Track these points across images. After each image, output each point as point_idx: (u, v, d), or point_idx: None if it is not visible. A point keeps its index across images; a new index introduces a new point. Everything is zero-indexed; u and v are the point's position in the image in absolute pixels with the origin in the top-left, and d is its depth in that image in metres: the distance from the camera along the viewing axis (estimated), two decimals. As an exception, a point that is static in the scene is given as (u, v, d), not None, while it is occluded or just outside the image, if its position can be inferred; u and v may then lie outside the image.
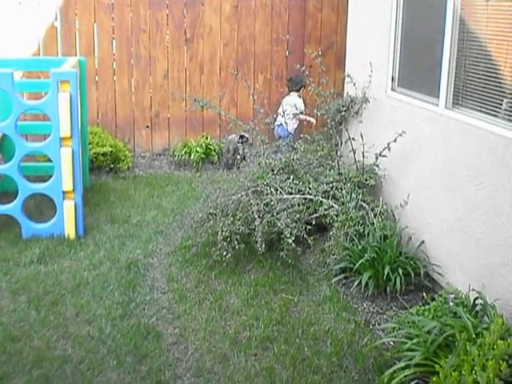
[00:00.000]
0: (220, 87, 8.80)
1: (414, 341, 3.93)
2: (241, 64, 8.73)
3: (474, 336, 3.84)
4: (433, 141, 5.13)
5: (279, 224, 5.31)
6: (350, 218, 5.46)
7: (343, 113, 6.61)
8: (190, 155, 8.28)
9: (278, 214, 5.40)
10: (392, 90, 5.94)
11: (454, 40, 4.84)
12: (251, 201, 5.48)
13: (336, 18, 8.76)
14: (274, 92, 8.82)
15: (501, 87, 4.38)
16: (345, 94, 6.85)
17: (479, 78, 4.64)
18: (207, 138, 8.52)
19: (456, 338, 3.83)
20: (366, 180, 5.85)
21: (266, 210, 5.53)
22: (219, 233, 5.37)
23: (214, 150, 8.36)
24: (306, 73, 6.67)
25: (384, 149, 5.58)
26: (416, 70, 5.63)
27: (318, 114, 6.69)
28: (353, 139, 5.98)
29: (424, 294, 4.63)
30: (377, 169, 5.82)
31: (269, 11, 8.74)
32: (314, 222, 5.62)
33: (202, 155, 8.30)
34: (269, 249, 5.45)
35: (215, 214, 5.56)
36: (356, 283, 5.11)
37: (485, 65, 4.58)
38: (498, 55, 4.46)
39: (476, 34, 4.71)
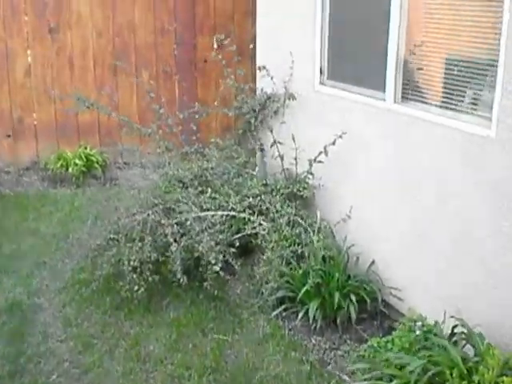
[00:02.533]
0: (96, 86, 8.16)
1: None
2: (120, 58, 8.10)
3: (465, 372, 3.60)
4: (380, 141, 4.88)
5: (200, 248, 4.85)
6: (284, 236, 5.09)
7: (257, 112, 6.25)
8: (67, 169, 7.60)
9: (197, 235, 4.93)
10: (321, 83, 5.65)
11: (402, 25, 4.60)
12: (162, 221, 4.98)
13: (232, 4, 8.37)
14: (162, 90, 8.29)
15: (463, 76, 4.18)
16: (258, 91, 6.49)
17: (436, 68, 4.43)
18: (86, 148, 7.86)
19: (445, 377, 3.56)
20: (299, 191, 5.51)
21: (181, 231, 5.04)
22: (126, 263, 4.83)
23: (97, 162, 7.73)
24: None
25: (320, 153, 5.26)
26: (351, 61, 5.36)
27: (230, 114, 6.27)
28: (279, 143, 5.63)
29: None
30: (311, 177, 5.48)
31: (150, -5, 8.11)
32: (237, 244, 5.18)
33: (83, 168, 7.65)
34: (187, 278, 4.96)
35: (117, 240, 5.01)
36: (300, 315, 4.74)
37: (442, 52, 4.37)
38: (460, 37, 4.26)
39: (428, 13, 4.51)
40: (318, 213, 5.41)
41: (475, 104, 4.07)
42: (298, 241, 5.11)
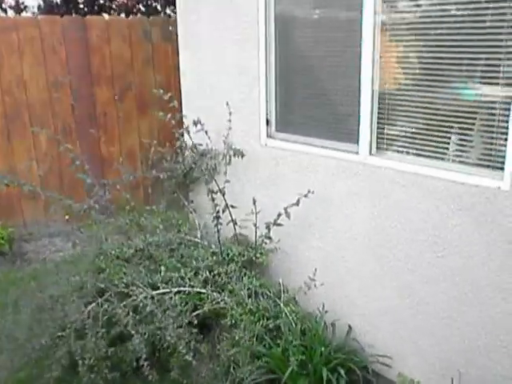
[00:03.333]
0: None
1: None
2: (12, 120, 7.48)
3: None
4: (353, 198, 4.63)
5: (168, 338, 4.39)
6: (250, 311, 4.72)
7: (190, 172, 5.87)
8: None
9: (160, 322, 4.47)
10: (269, 136, 5.34)
11: (376, 69, 4.39)
12: (119, 310, 4.48)
13: (130, 50, 7.93)
14: (63, 151, 7.67)
15: (446, 123, 4.00)
16: (186, 147, 6.08)
17: (416, 114, 4.24)
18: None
19: None
20: (257, 258, 5.15)
21: (138, 317, 4.57)
22: (80, 362, 4.30)
23: (2, 238, 7.01)
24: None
25: (279, 216, 4.91)
26: (307, 110, 5.08)
27: (162, 176, 5.82)
28: (231, 207, 5.25)
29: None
30: (268, 242, 5.14)
31: (38, 46, 7.52)
32: (195, 322, 4.75)
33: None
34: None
35: (64, 336, 4.47)
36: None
37: (422, 96, 4.19)
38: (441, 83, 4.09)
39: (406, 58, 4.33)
40: (281, 280, 5.06)
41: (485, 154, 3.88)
42: (266, 314, 4.72)
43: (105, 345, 4.36)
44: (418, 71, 4.16)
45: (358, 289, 4.70)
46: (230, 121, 5.56)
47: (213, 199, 5.01)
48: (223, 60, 5.61)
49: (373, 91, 4.38)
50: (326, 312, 4.83)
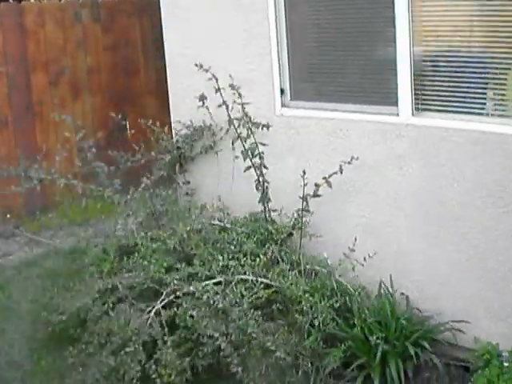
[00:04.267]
0: None
1: None
2: None
3: None
4: (397, 161, 4.35)
5: (253, 334, 3.90)
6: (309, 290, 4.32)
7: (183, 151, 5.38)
8: None
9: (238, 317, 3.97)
10: (283, 106, 4.92)
11: (411, 25, 4.09)
12: (190, 312, 3.94)
13: (62, 34, 7.19)
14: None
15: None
16: (175, 126, 5.53)
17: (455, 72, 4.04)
18: None
19: None
20: (291, 234, 4.76)
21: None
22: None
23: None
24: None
25: (317, 188, 4.52)
26: (332, 75, 4.72)
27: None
28: (266, 182, 4.77)
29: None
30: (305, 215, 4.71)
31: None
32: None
33: None
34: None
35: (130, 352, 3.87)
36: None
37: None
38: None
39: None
40: (325, 254, 4.69)
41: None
42: (327, 293, 4.35)
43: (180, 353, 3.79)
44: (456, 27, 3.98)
45: (411, 255, 4.42)
46: (238, 95, 5.01)
47: (254, 167, 4.56)
48: (223, 30, 5.09)
49: (411, 50, 4.13)
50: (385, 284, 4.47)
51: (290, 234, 4.76)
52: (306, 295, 4.16)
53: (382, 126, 4.35)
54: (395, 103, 4.28)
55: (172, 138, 5.53)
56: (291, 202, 4.64)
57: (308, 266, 4.56)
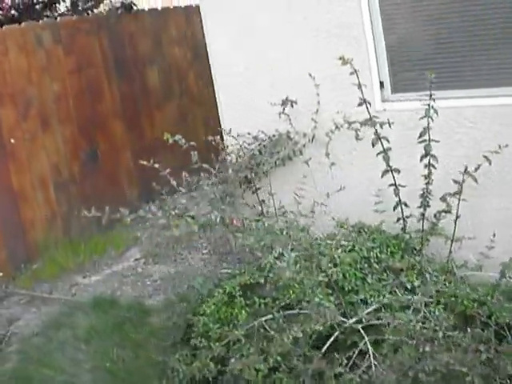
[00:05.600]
0: None
1: None
2: None
3: None
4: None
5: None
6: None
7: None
8: None
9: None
10: (384, 100, 4.35)
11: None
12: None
13: (26, 61, 6.11)
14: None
15: None
16: (228, 140, 4.77)
17: None
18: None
19: None
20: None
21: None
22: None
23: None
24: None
25: (461, 184, 3.94)
26: (447, 61, 4.22)
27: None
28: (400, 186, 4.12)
29: None
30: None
31: None
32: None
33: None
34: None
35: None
36: None
37: None
38: None
39: None
40: (471, 256, 4.13)
41: None
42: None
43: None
44: None
45: None
46: (318, 94, 4.39)
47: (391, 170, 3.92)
48: (300, 22, 4.42)
49: None
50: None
51: (427, 240, 4.12)
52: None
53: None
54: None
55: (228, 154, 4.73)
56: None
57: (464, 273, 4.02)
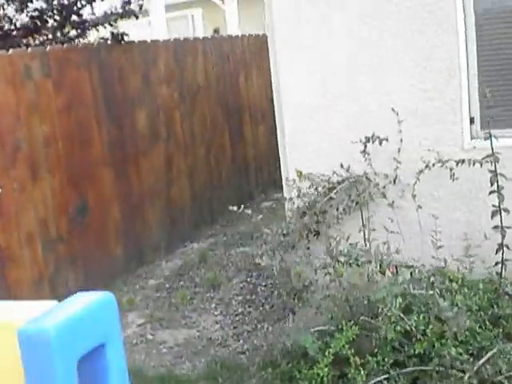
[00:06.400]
0: None
1: None
2: None
3: None
4: None
5: None
6: None
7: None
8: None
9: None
10: (474, 138, 4.01)
11: None
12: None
13: (15, 95, 5.27)
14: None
15: None
16: (286, 181, 4.29)
17: None
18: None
19: None
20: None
21: None
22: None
23: None
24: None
25: None
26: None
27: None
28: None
29: None
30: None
31: None
32: None
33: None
34: None
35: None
36: None
37: None
38: None
39: None
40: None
41: None
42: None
43: None
44: None
45: None
46: (400, 131, 4.01)
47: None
48: (384, 55, 4.04)
49: None
50: None
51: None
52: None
53: None
54: None
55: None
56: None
57: None
